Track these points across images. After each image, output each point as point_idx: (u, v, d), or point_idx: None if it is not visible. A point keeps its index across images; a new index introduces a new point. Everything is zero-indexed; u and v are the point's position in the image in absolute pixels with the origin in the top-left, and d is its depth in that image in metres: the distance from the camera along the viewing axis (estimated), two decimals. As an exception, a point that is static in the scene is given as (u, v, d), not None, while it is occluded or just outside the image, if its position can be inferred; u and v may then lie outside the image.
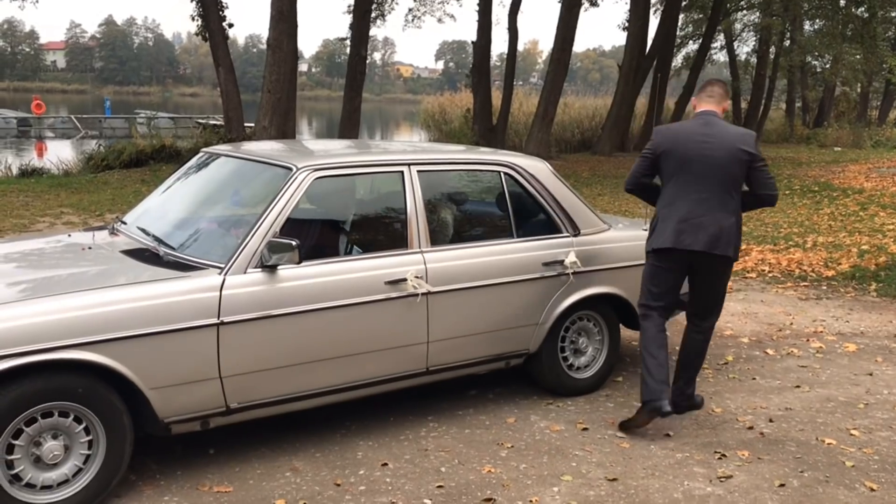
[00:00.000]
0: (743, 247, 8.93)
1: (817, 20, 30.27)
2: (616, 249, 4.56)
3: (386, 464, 3.65)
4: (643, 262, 4.60)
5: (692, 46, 31.90)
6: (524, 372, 4.54)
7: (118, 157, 16.08)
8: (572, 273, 4.32)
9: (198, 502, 3.28)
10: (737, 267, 7.93)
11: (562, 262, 4.29)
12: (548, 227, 4.40)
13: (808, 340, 5.76)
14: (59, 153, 19.43)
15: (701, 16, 29.54)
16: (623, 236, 4.68)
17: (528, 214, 4.41)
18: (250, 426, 3.79)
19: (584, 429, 4.11)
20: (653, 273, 4.11)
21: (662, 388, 3.93)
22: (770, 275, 7.82)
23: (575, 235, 4.43)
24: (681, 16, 27.59)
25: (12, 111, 36.46)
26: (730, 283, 7.16)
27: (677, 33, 27.79)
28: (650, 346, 4.03)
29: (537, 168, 4.44)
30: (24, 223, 9.65)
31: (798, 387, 4.80)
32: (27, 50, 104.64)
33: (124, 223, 4.15)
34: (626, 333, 5.34)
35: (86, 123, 33.74)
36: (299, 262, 3.48)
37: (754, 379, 4.94)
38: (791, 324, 6.19)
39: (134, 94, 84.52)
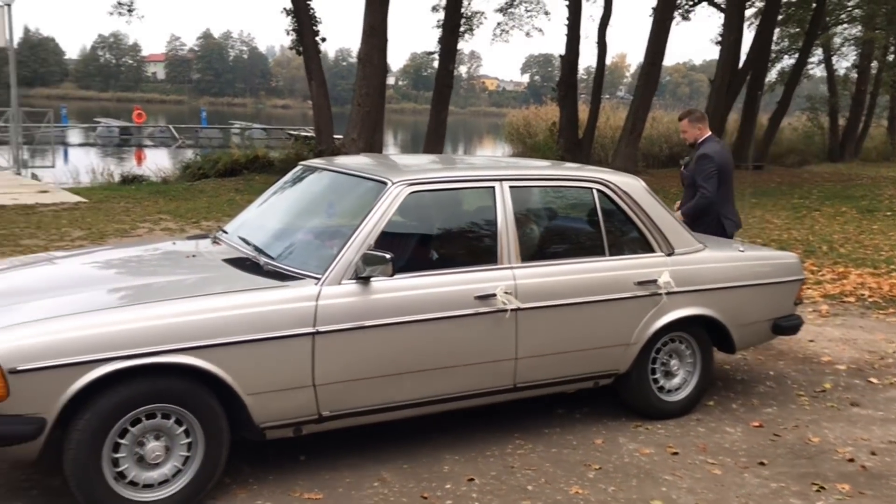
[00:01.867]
0: (840, 269, 8.61)
1: (924, 34, 28.89)
2: (712, 270, 4.45)
3: (472, 479, 3.65)
4: (740, 283, 4.54)
5: (788, 61, 30.93)
6: (612, 392, 4.47)
7: (213, 167, 16.63)
8: (665, 293, 4.24)
9: (289, 508, 3.35)
10: (834, 291, 7.65)
11: (655, 281, 4.22)
12: (641, 246, 4.33)
13: (913, 370, 5.48)
14: (158, 161, 20.26)
15: (798, 30, 28.60)
16: (719, 256, 4.57)
17: (620, 232, 4.36)
18: (340, 434, 3.85)
19: (675, 453, 4.01)
20: None
21: None
22: (870, 300, 7.48)
23: (669, 254, 4.35)
24: (776, 30, 26.81)
25: (115, 120, 38.25)
26: (827, 308, 6.96)
27: (772, 48, 26.99)
28: None
29: (631, 185, 4.38)
30: (125, 228, 10.10)
31: (903, 419, 4.57)
32: (130, 62, 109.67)
33: (225, 232, 4.29)
34: (719, 357, 5.20)
35: (183, 133, 35.10)
36: (392, 275, 3.53)
37: (854, 408, 4.74)
38: (894, 352, 5.91)
39: (228, 105, 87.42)
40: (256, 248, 3.86)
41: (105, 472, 3.08)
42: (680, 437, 4.22)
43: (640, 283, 4.19)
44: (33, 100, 60.20)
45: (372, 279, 3.53)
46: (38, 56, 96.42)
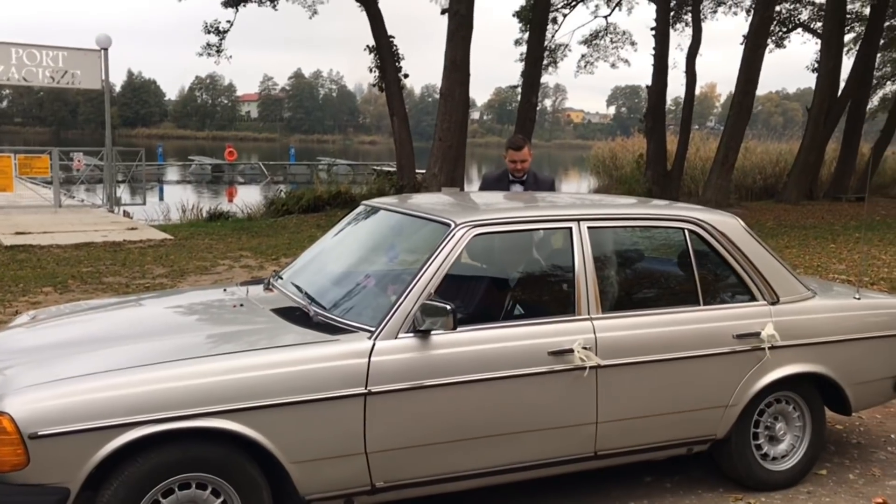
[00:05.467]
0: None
1: None
2: (823, 321, 3.91)
3: (545, 561, 3.21)
4: (856, 336, 3.99)
5: (891, 87, 29.36)
6: (707, 456, 3.95)
7: (297, 203, 16.75)
8: (769, 348, 3.72)
9: (336, 591, 2.98)
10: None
11: (757, 334, 3.70)
12: (740, 294, 3.83)
13: None
14: (248, 197, 20.60)
15: (902, 53, 27.14)
16: (831, 305, 4.03)
17: (716, 278, 3.87)
18: (398, 504, 3.47)
19: (783, 535, 3.47)
20: None
21: None
22: None
23: (773, 304, 3.83)
24: (878, 55, 25.47)
25: (208, 158, 39.58)
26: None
27: (874, 74, 25.62)
28: None
29: (728, 225, 3.89)
30: (205, 265, 10.09)
31: None
32: (225, 102, 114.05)
33: (280, 278, 4.01)
34: (830, 417, 4.59)
35: (272, 170, 35.95)
36: (454, 328, 3.16)
37: None
38: None
39: (317, 142, 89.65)
40: (308, 296, 3.54)
41: (133, 548, 2.79)
42: (788, 515, 3.67)
43: (740, 337, 3.69)
44: (135, 139, 63.17)
45: (432, 332, 3.17)
46: (139, 97, 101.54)
